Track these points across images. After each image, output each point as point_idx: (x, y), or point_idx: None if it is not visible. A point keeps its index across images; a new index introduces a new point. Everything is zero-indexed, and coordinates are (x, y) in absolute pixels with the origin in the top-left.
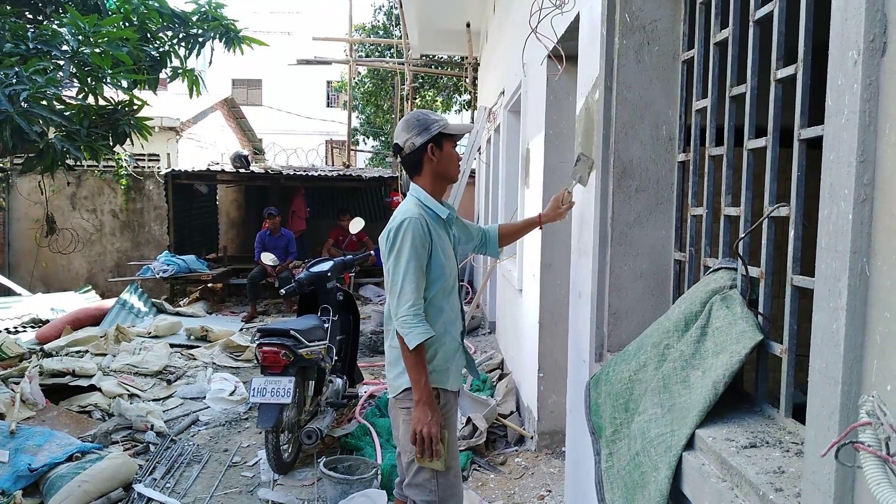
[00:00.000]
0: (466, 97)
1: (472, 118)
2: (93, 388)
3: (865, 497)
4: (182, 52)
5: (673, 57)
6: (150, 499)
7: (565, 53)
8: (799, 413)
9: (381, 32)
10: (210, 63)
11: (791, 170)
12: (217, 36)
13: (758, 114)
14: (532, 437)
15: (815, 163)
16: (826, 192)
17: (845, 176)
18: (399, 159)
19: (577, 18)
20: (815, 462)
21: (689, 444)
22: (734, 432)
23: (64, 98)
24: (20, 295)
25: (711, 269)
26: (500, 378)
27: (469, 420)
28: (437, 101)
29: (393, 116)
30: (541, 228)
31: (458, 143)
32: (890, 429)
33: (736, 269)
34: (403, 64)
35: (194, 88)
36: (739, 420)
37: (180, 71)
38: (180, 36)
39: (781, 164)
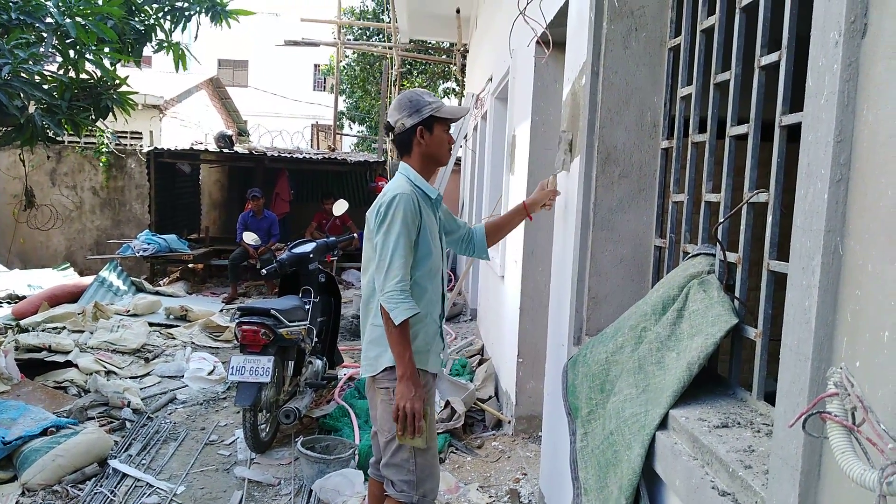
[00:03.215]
0: (452, 84)
1: (460, 104)
2: (69, 364)
3: (832, 470)
4: (167, 25)
5: (660, 43)
6: (124, 474)
7: (553, 39)
8: (771, 400)
9: (370, 16)
10: (196, 38)
11: (771, 162)
12: (203, 10)
13: (741, 104)
14: (509, 422)
15: (794, 156)
16: (803, 172)
17: (822, 156)
18: (390, 138)
19: (566, 3)
20: (783, 436)
21: (663, 424)
22: (707, 413)
23: (45, 72)
24: None
25: (690, 255)
26: (480, 363)
27: (448, 403)
28: (424, 86)
29: (380, 101)
30: (530, 219)
31: (450, 126)
32: (856, 399)
33: (714, 255)
34: (392, 48)
35: (181, 62)
36: (712, 402)
37: (166, 44)
38: (165, 9)
39: (763, 157)
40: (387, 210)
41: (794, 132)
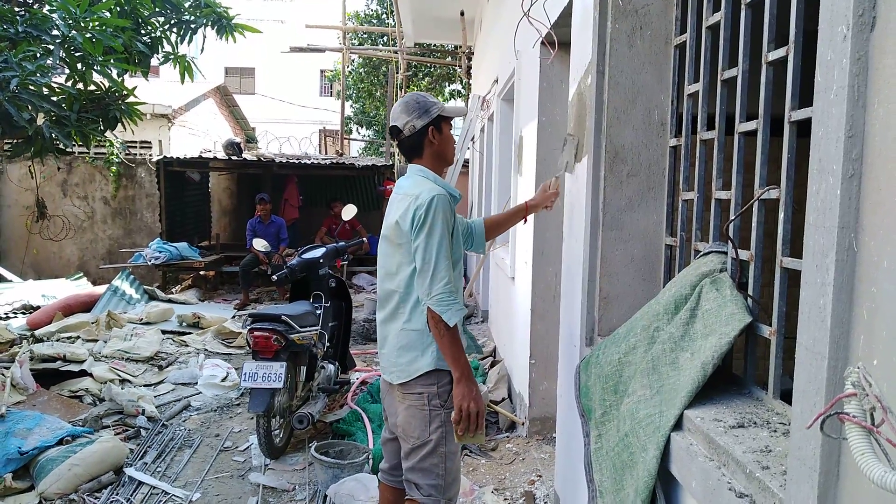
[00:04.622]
0: (458, 87)
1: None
2: (84, 373)
3: (851, 471)
4: (174, 38)
5: (665, 41)
6: (140, 482)
7: (558, 40)
8: (787, 398)
9: (374, 20)
10: (202, 50)
11: (781, 158)
12: (209, 23)
13: (749, 101)
14: (523, 424)
15: (804, 151)
16: (814, 168)
17: (833, 151)
18: (396, 142)
19: (570, 3)
20: (801, 437)
21: (678, 425)
22: (722, 413)
23: (53, 84)
24: (11, 281)
25: (702, 253)
26: (492, 365)
27: None
28: (430, 89)
29: (386, 105)
30: (525, 221)
31: (452, 125)
32: (875, 399)
33: (726, 253)
34: (397, 52)
35: (187, 74)
36: (728, 401)
37: (172, 56)
38: (172, 22)
39: (772, 153)
40: (426, 212)
41: (804, 127)
